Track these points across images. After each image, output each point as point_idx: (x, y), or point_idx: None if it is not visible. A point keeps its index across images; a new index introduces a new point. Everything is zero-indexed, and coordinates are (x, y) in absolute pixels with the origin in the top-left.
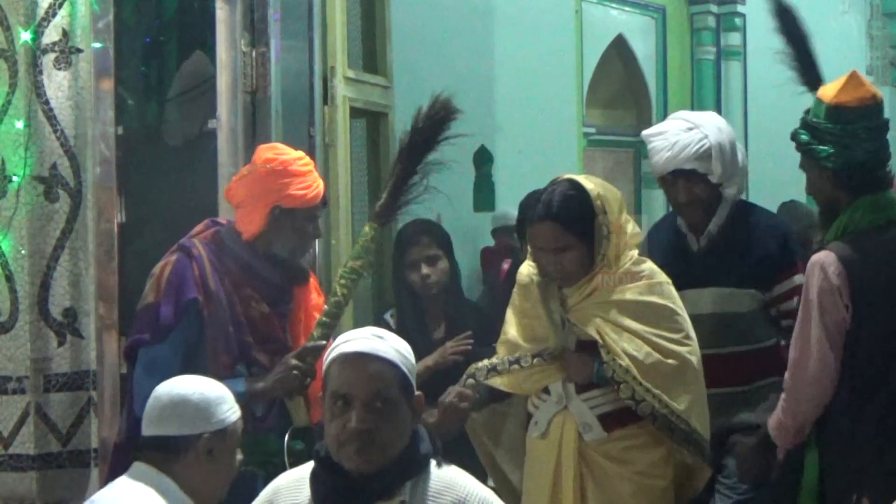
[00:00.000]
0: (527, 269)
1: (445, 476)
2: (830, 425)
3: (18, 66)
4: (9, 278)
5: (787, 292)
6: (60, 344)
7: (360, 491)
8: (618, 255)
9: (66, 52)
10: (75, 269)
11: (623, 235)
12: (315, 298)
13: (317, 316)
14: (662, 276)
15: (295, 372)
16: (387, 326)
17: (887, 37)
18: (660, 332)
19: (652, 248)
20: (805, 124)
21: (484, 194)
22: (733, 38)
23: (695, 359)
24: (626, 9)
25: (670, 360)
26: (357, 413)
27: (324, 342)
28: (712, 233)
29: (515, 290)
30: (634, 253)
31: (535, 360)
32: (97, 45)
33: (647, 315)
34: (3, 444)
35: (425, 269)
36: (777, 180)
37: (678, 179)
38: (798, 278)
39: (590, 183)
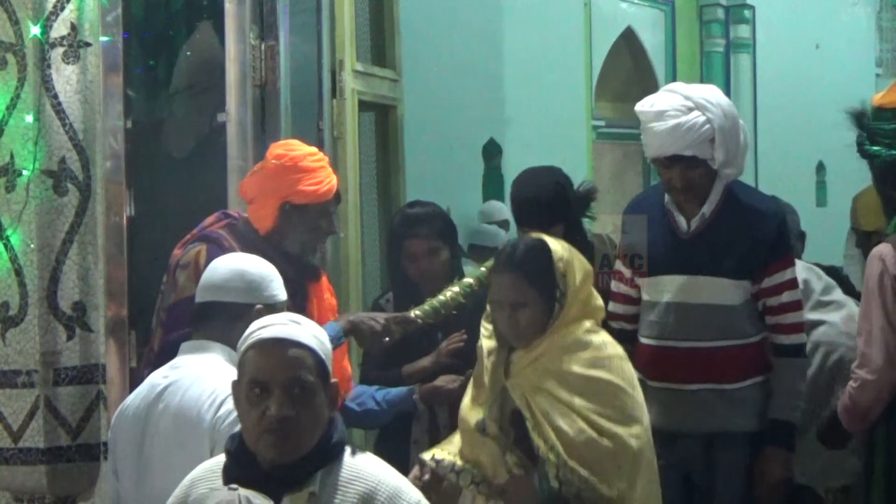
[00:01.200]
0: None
1: (357, 465)
2: None
3: (27, 61)
4: (18, 272)
5: (776, 286)
6: (69, 338)
7: (271, 482)
8: (571, 323)
9: (75, 46)
10: (84, 263)
11: (581, 305)
12: (328, 298)
13: (330, 317)
14: (617, 350)
15: (382, 322)
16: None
17: None
18: (600, 410)
19: (633, 226)
20: (865, 128)
21: (493, 187)
22: (742, 31)
23: (637, 443)
24: (635, 1)
25: (606, 441)
26: (276, 399)
27: (419, 321)
28: (706, 215)
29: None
30: (590, 324)
31: (470, 487)
32: (106, 38)
33: (589, 390)
34: (13, 438)
35: (425, 264)
36: (786, 172)
37: (676, 165)
38: (790, 272)
39: (557, 245)
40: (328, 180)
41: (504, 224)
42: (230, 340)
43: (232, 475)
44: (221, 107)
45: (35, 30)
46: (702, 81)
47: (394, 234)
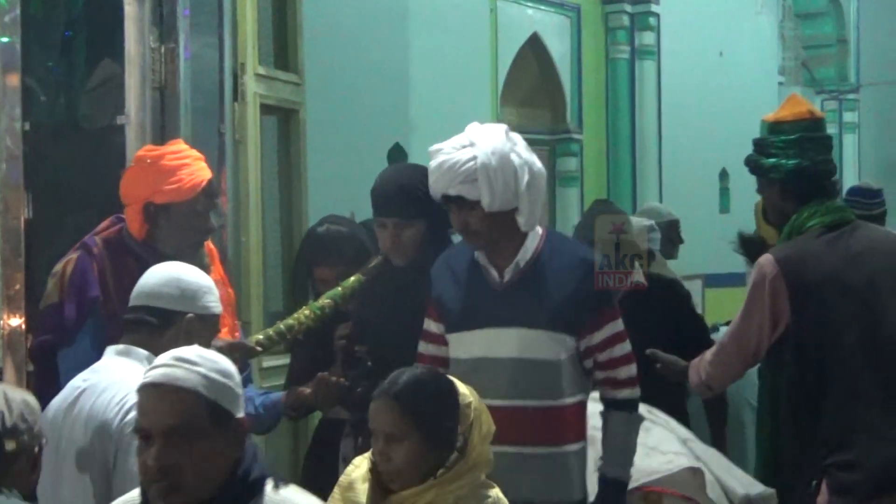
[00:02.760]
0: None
1: (281, 499)
2: (789, 416)
3: None
4: None
5: (605, 340)
6: None
7: None
8: (466, 474)
9: None
10: None
11: (477, 455)
12: (223, 294)
13: (228, 311)
14: None
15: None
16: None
17: (799, 37)
18: None
19: (442, 280)
20: (754, 145)
21: None
22: (647, 38)
23: None
24: (542, 7)
25: None
26: (155, 449)
27: (259, 348)
28: (520, 265)
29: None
30: (482, 476)
31: None
32: (4, 39)
33: None
34: None
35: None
36: (689, 180)
37: (450, 206)
38: (618, 324)
39: (467, 390)
40: (191, 178)
41: None
42: (157, 347)
43: None
44: (121, 109)
45: None
46: (607, 87)
47: (303, 257)
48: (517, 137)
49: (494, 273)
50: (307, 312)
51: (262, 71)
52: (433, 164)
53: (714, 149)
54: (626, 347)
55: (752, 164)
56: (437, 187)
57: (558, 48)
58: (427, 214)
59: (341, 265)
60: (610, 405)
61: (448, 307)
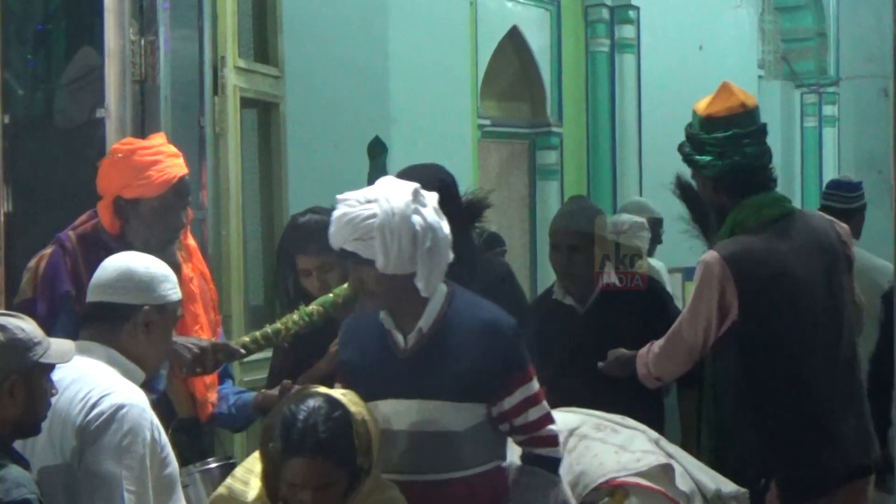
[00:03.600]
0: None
1: None
2: (738, 412)
3: None
4: None
5: (518, 405)
6: None
7: None
8: (374, 490)
9: None
10: None
11: (377, 471)
12: (195, 287)
13: (197, 308)
14: None
15: (196, 352)
16: None
17: (779, 31)
18: None
19: (349, 345)
20: (687, 136)
21: None
22: (627, 31)
23: None
24: (521, 1)
25: None
26: None
27: (243, 351)
28: (423, 331)
29: None
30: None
31: None
32: None
33: None
34: None
35: (319, 281)
36: (669, 172)
37: (346, 261)
38: (532, 386)
39: (354, 406)
40: (161, 174)
41: None
42: (117, 342)
43: None
44: (100, 102)
45: None
46: (587, 81)
47: (285, 246)
48: (429, 199)
49: (399, 338)
50: (296, 318)
51: (241, 64)
52: (335, 213)
53: None
54: (541, 409)
55: (685, 157)
56: (334, 240)
57: (538, 41)
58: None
59: (324, 255)
60: (528, 459)
61: (353, 375)
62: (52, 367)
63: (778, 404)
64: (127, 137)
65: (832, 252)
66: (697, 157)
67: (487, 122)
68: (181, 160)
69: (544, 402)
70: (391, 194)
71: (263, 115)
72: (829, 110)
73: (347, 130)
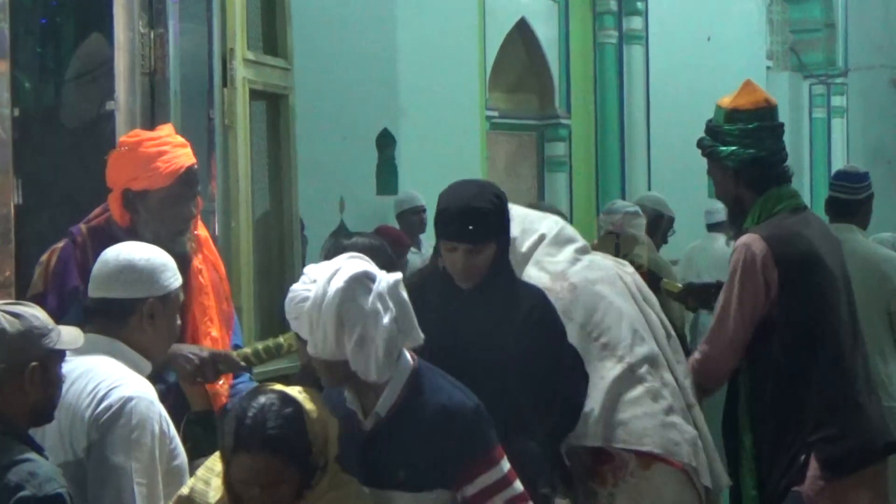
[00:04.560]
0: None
1: None
2: (772, 395)
3: None
4: None
5: (482, 492)
6: None
7: None
8: (329, 489)
9: None
10: None
11: (333, 469)
12: (205, 279)
13: (207, 300)
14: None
15: (196, 363)
16: None
17: (787, 22)
18: None
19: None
20: (708, 130)
21: (386, 178)
22: (635, 23)
23: None
24: None
25: None
26: None
27: (243, 364)
28: (380, 416)
29: None
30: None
31: None
32: None
33: None
34: None
35: None
36: (677, 164)
37: (300, 344)
38: (497, 471)
39: (309, 403)
40: (168, 165)
41: (422, 210)
42: (122, 335)
43: None
44: (110, 94)
45: None
46: (595, 73)
47: None
48: (377, 284)
49: (361, 418)
50: (280, 340)
51: (250, 56)
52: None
53: (702, 132)
54: (510, 492)
55: (707, 150)
56: (286, 314)
57: (546, 33)
58: (497, 236)
59: None
60: None
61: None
62: (64, 353)
63: (819, 382)
64: (135, 129)
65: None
66: (720, 148)
67: (495, 113)
68: (188, 150)
69: (515, 485)
70: (333, 277)
71: (272, 107)
72: (837, 101)
73: (356, 122)
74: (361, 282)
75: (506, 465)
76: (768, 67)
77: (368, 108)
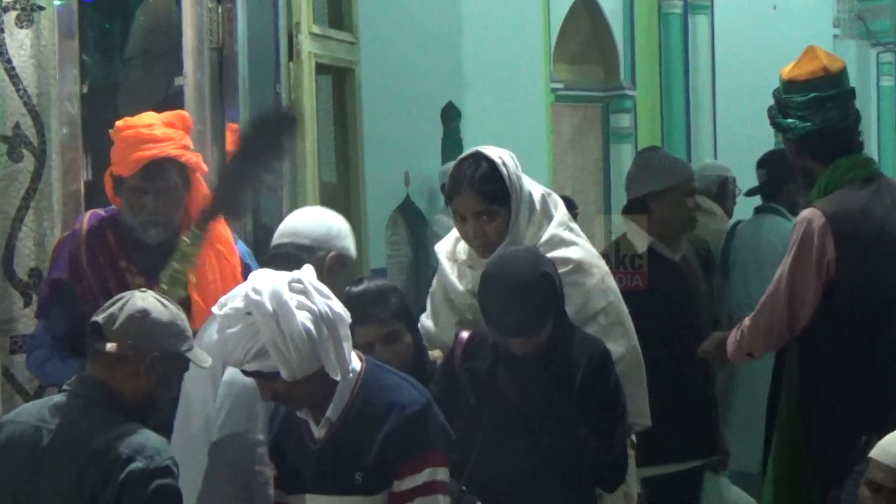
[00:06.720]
0: None
1: None
2: (829, 374)
3: None
4: None
5: (407, 492)
6: (26, 304)
7: None
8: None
9: (28, 9)
10: (40, 230)
11: None
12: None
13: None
14: None
15: None
16: None
17: None
18: None
19: (279, 430)
20: (775, 100)
21: (452, 151)
22: None
23: None
24: None
25: None
26: None
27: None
28: (331, 421)
29: None
30: None
31: None
32: (59, 2)
33: None
34: None
35: (383, 352)
36: (745, 133)
37: (252, 375)
38: (429, 473)
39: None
40: (134, 154)
41: None
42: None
43: None
44: (179, 70)
45: None
46: (660, 43)
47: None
48: (307, 284)
49: (314, 428)
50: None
51: (316, 30)
52: (222, 334)
53: (769, 103)
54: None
55: (772, 120)
56: (232, 362)
57: (610, 4)
58: (555, 315)
59: (388, 321)
60: None
61: (278, 464)
62: (188, 364)
63: (880, 361)
64: (205, 105)
65: None
66: (781, 119)
67: (560, 85)
68: (171, 143)
69: (439, 499)
70: (265, 299)
71: (338, 81)
72: None
73: (421, 96)
74: (296, 285)
75: (440, 474)
76: (835, 35)
77: (433, 82)
